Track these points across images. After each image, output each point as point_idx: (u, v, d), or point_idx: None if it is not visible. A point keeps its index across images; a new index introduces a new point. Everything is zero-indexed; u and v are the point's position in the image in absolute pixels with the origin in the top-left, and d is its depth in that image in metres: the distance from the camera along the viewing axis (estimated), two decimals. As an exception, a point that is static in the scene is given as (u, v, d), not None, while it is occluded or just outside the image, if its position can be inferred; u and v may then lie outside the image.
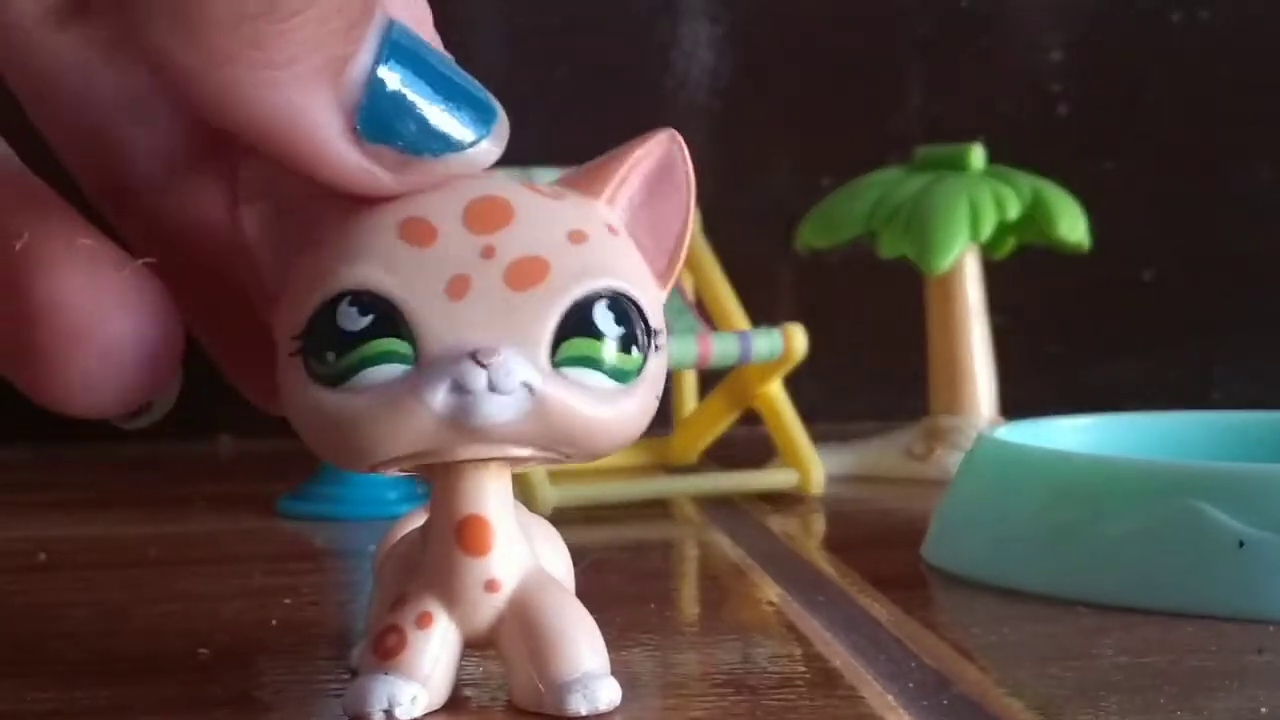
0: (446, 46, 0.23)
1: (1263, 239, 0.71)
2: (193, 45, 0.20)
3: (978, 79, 0.71)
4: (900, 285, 0.56)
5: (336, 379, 0.21)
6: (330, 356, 0.21)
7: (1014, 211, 0.52)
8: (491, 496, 0.23)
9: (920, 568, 0.36)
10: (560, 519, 0.24)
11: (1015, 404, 0.53)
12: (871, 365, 0.67)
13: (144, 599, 0.35)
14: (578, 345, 0.22)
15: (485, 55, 0.66)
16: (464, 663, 0.24)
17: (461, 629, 0.23)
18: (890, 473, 0.52)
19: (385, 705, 0.23)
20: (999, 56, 0.71)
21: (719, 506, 0.47)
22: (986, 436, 0.38)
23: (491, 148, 0.22)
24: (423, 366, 0.21)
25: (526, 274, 0.21)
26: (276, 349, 0.22)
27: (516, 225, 0.22)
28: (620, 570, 0.37)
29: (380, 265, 0.21)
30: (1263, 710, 0.24)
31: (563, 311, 0.21)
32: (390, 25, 0.21)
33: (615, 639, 0.25)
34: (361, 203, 0.22)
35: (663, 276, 0.24)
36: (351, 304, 0.21)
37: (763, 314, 0.51)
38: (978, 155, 0.54)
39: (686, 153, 0.23)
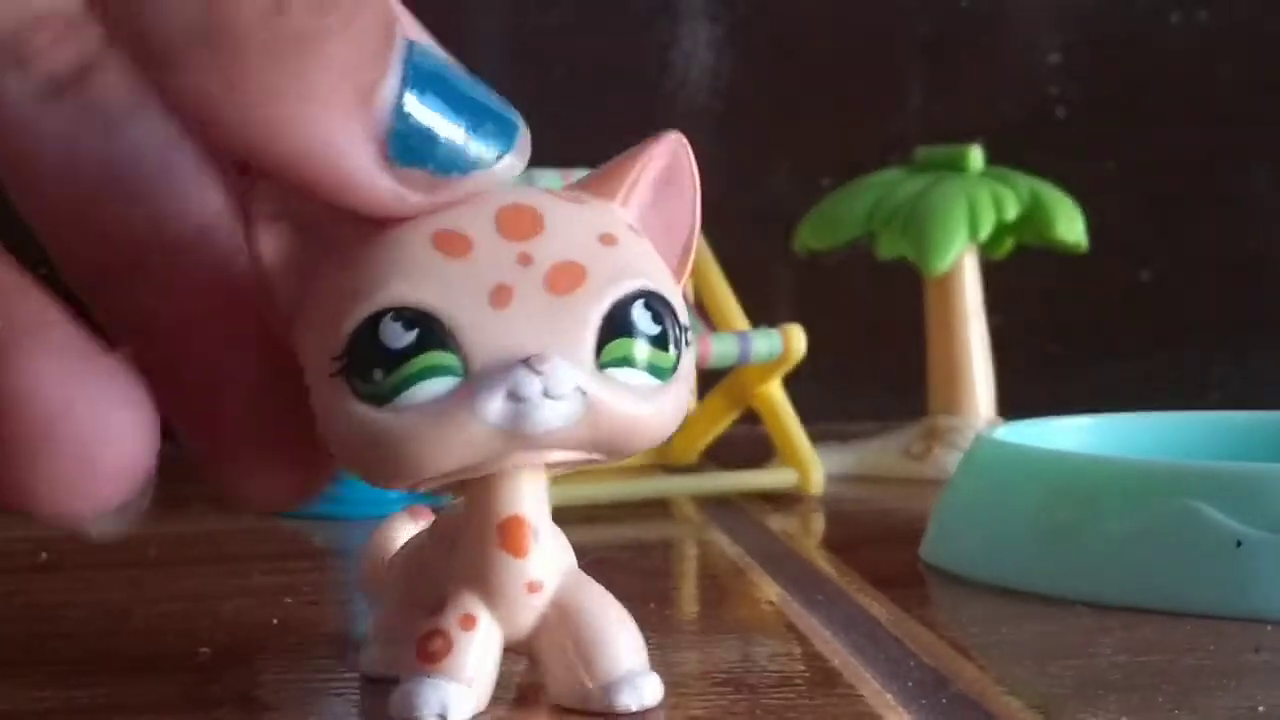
0: (446, 47, 0.23)
1: (1262, 239, 0.71)
2: (239, 84, 0.19)
3: (978, 79, 0.71)
4: (900, 285, 0.56)
5: (385, 396, 0.21)
6: (378, 375, 0.21)
7: (1012, 212, 0.52)
8: (528, 497, 0.23)
9: (919, 567, 0.37)
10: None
11: (1015, 404, 0.53)
12: (871, 365, 0.67)
13: (144, 599, 0.35)
14: (620, 346, 0.22)
15: (485, 56, 0.66)
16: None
17: (503, 630, 0.23)
18: (889, 473, 0.52)
19: (439, 710, 0.23)
20: (999, 57, 0.71)
21: (719, 506, 0.47)
22: (985, 436, 0.38)
23: (515, 162, 0.22)
24: (472, 378, 0.21)
25: (565, 279, 0.22)
26: (308, 377, 0.22)
27: (548, 231, 0.22)
28: (620, 570, 0.37)
29: (419, 279, 0.21)
30: (1260, 709, 0.24)
31: (603, 314, 0.22)
32: (411, 47, 0.21)
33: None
34: (385, 220, 0.22)
35: (675, 274, 0.24)
36: (395, 320, 0.21)
37: (762, 314, 0.51)
38: (977, 156, 0.54)
39: (691, 155, 0.24)
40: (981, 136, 0.55)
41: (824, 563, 0.38)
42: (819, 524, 0.45)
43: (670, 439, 0.55)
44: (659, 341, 0.22)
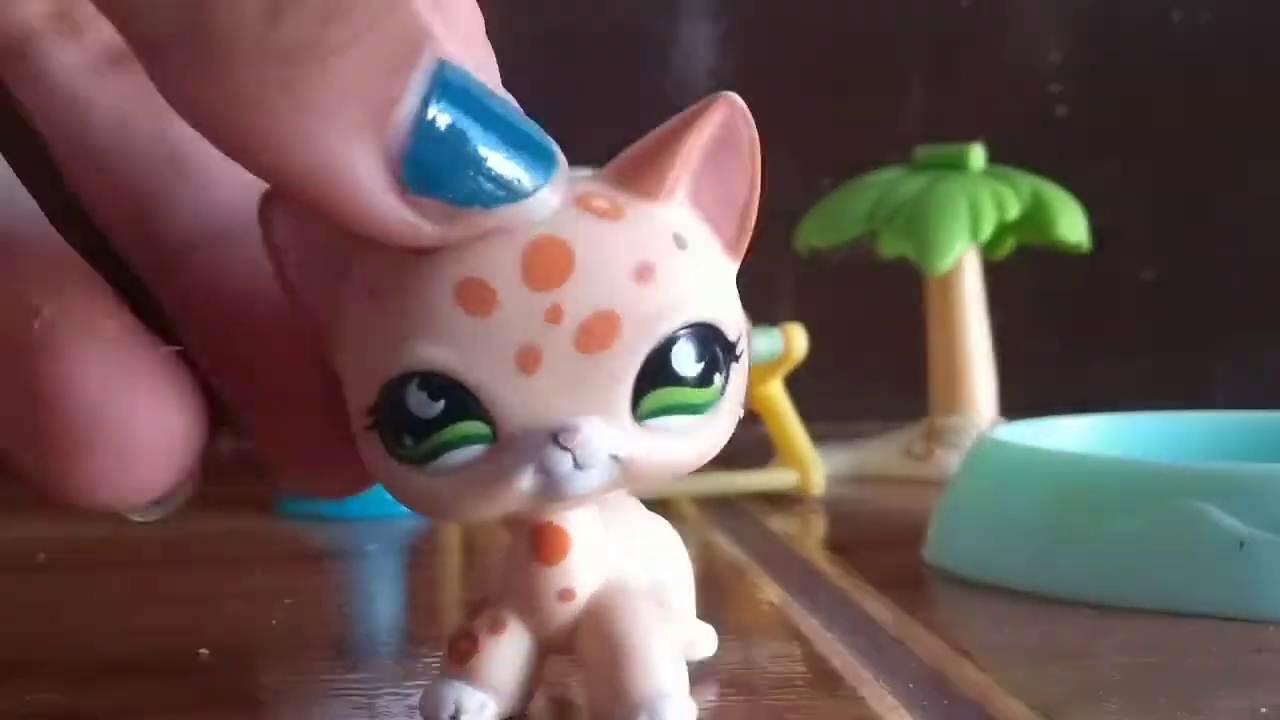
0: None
1: (1263, 239, 0.71)
2: (218, 89, 0.18)
3: (978, 79, 0.71)
4: (900, 285, 0.56)
5: (419, 461, 0.21)
6: (409, 441, 0.21)
7: (1014, 211, 0.52)
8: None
9: (920, 568, 0.36)
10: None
11: (1015, 404, 0.53)
12: (871, 365, 0.67)
13: (144, 599, 0.35)
14: (659, 397, 0.21)
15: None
16: (560, 669, 0.24)
17: (537, 636, 0.23)
18: (891, 473, 0.52)
19: (452, 711, 0.23)
20: (999, 56, 0.71)
21: (719, 506, 0.47)
22: (986, 436, 0.38)
23: (550, 197, 0.20)
24: (503, 444, 0.20)
25: (597, 336, 0.20)
26: (348, 404, 0.21)
27: (579, 274, 0.20)
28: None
29: (443, 342, 0.20)
30: (1263, 710, 0.24)
31: (639, 366, 0.20)
32: (441, 65, 0.19)
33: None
34: (404, 248, 0.20)
35: (732, 246, 0.22)
36: (420, 387, 0.20)
37: (763, 314, 0.51)
38: (978, 155, 0.54)
39: (749, 116, 0.22)
40: (982, 136, 0.55)
41: (825, 563, 0.38)
42: (820, 524, 0.45)
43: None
44: (702, 379, 0.21)
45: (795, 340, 0.47)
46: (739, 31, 0.69)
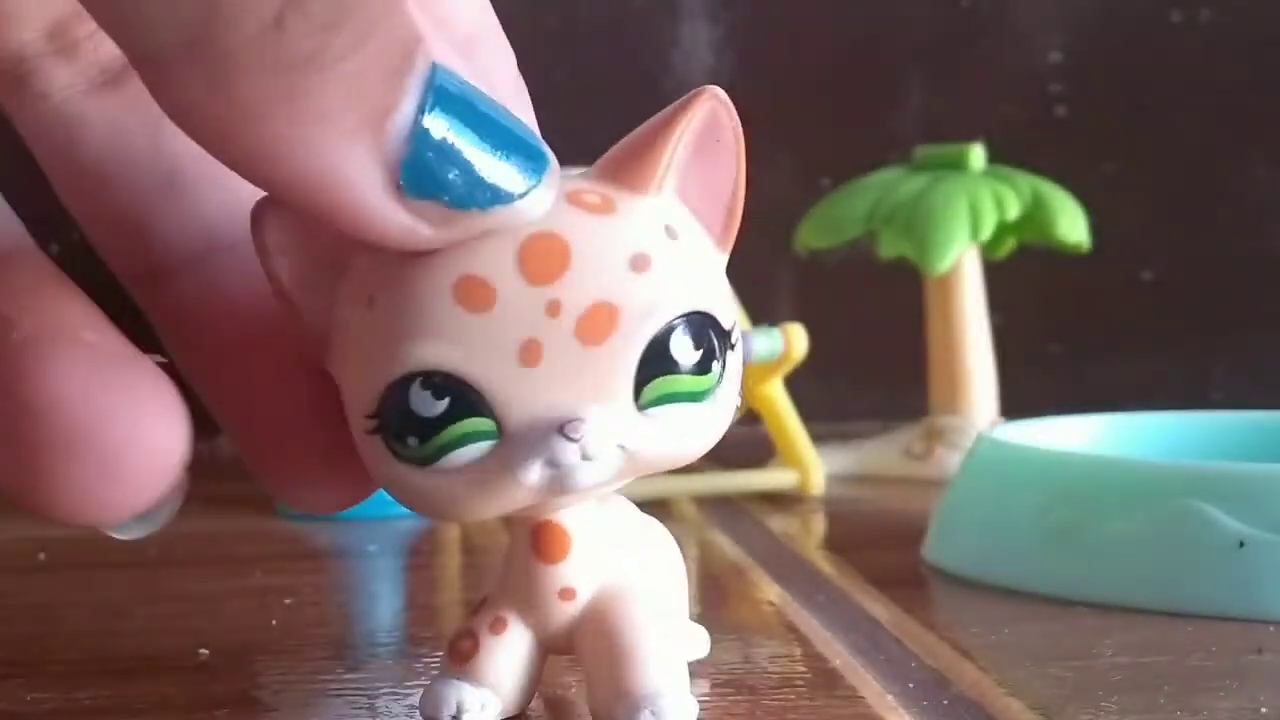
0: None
1: (1263, 239, 0.71)
2: (221, 100, 0.18)
3: (978, 79, 0.71)
4: (900, 285, 0.56)
5: (423, 461, 0.21)
6: (413, 441, 0.21)
7: (1014, 212, 0.52)
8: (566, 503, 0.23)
9: (920, 568, 0.36)
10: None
11: (1015, 404, 0.53)
12: (871, 365, 0.67)
13: (144, 599, 0.35)
14: (660, 385, 0.21)
15: (485, 55, 0.66)
16: (557, 669, 0.24)
17: (537, 636, 0.23)
18: (890, 473, 0.52)
19: (453, 711, 0.23)
20: (999, 56, 0.71)
21: (719, 506, 0.47)
22: (986, 436, 0.38)
23: (543, 196, 0.20)
24: (508, 439, 0.20)
25: (597, 327, 0.20)
26: (347, 412, 0.21)
27: (575, 267, 0.20)
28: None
29: (444, 340, 0.20)
30: (1263, 710, 0.24)
31: (639, 355, 0.21)
32: (435, 70, 0.19)
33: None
34: (401, 250, 0.20)
35: (720, 240, 0.23)
36: (424, 387, 0.20)
37: (763, 314, 0.51)
38: (977, 155, 0.54)
39: (733, 109, 0.22)
40: (982, 136, 0.55)
41: (825, 563, 0.38)
42: (820, 524, 0.45)
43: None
44: (700, 367, 0.21)
45: (795, 340, 0.47)
46: (739, 31, 0.69)
